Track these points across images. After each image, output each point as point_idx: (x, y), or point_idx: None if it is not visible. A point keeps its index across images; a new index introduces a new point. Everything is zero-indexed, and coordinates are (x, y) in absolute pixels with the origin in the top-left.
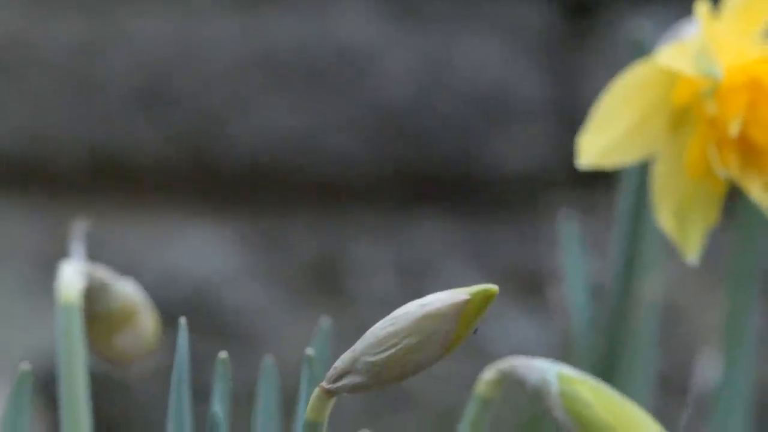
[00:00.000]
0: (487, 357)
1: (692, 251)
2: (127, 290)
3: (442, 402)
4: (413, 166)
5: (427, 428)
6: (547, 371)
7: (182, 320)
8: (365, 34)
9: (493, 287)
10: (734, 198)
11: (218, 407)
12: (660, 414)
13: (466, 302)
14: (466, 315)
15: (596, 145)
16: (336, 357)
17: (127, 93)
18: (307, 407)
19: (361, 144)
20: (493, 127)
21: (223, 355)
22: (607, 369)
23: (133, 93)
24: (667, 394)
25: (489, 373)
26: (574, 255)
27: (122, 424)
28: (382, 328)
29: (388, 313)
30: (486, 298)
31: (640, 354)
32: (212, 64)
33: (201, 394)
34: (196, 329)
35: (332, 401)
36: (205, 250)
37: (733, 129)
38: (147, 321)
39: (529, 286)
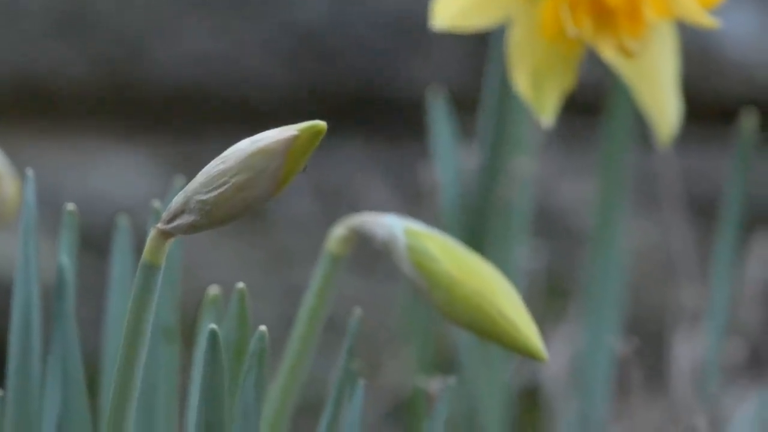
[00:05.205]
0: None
1: (547, 113)
2: None
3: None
4: (330, 88)
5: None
6: (395, 226)
7: (29, 172)
8: None
9: (321, 123)
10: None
11: (65, 259)
12: (540, 306)
13: (295, 138)
14: (295, 151)
15: (452, 7)
16: None
17: (46, 17)
18: (144, 250)
19: (279, 66)
20: (409, 48)
21: (70, 207)
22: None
23: (52, 17)
24: (552, 294)
25: (338, 230)
26: (443, 138)
27: None
28: (213, 166)
29: (307, 235)
30: (314, 135)
31: (511, 234)
32: None
33: None
34: None
35: (168, 243)
36: (126, 174)
37: None
38: (7, 186)
39: None
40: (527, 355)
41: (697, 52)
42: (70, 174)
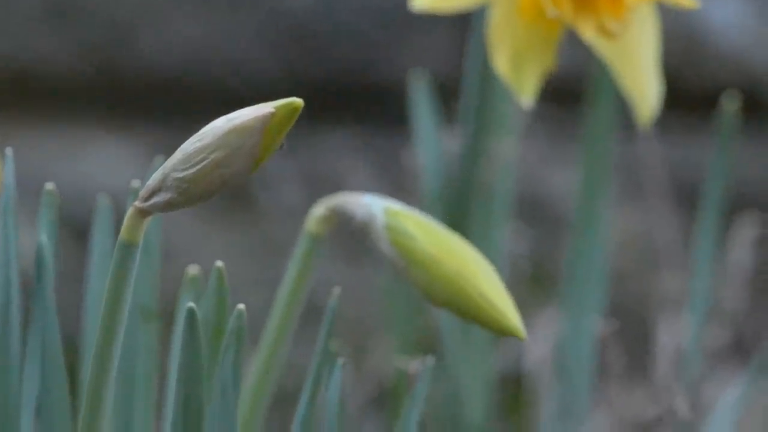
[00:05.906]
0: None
1: (527, 94)
2: None
3: (350, 312)
4: (319, 77)
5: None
6: (374, 206)
7: (9, 151)
8: None
9: (298, 101)
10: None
11: (44, 238)
12: (523, 292)
13: (271, 115)
14: (271, 128)
15: None
16: None
17: (34, 4)
18: (122, 228)
19: (267, 54)
20: (396, 36)
21: (49, 186)
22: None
23: (41, 5)
24: (535, 281)
25: (318, 210)
26: (425, 121)
27: None
28: (191, 144)
29: (295, 224)
30: (291, 112)
31: (493, 218)
32: None
33: None
34: None
35: (146, 222)
36: (114, 162)
37: None
38: None
39: None
40: (506, 334)
41: (683, 39)
42: (58, 162)
